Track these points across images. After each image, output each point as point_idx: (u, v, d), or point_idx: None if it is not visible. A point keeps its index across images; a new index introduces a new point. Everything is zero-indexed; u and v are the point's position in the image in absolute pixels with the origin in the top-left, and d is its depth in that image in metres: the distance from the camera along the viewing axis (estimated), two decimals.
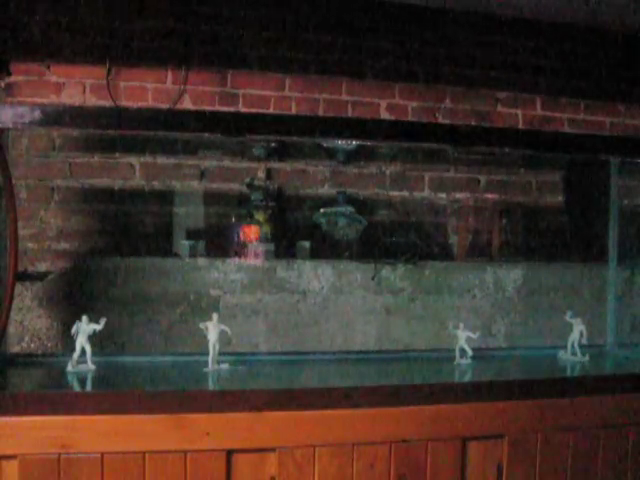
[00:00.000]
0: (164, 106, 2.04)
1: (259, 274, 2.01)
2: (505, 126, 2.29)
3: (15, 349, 1.88)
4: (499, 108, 2.30)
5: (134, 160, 2.05)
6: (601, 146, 1.99)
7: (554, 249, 2.26)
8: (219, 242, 2.06)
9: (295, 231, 2.13)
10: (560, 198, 2.35)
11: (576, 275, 2.21)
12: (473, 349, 1.89)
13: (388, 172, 2.21)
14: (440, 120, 2.24)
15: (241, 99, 2.11)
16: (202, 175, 2.09)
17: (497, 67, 2.29)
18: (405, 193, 2.23)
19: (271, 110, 2.12)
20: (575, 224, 2.32)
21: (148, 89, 2.05)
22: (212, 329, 1.72)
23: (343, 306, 2.05)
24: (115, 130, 1.61)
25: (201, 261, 1.99)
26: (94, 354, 1.55)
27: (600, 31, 2.33)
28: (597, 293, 2.22)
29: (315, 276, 2.04)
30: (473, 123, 2.26)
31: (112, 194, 2.04)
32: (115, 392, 1.42)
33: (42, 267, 1.98)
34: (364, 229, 2.14)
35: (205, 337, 1.74)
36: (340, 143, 2.07)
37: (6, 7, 1.94)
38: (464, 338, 1.89)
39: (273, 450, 1.41)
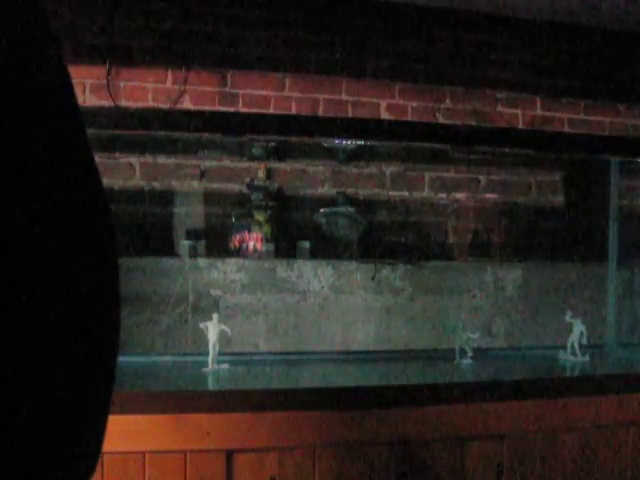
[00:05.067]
0: (164, 106, 2.04)
1: (259, 274, 2.01)
2: (505, 126, 2.29)
3: None
4: (499, 108, 2.30)
5: (134, 160, 2.05)
6: (601, 146, 1.99)
7: (554, 249, 2.26)
8: (219, 242, 2.06)
9: (295, 231, 2.12)
10: (560, 198, 2.35)
11: (576, 275, 2.21)
12: (473, 349, 1.89)
13: (388, 172, 2.21)
14: (440, 120, 2.24)
15: (241, 99, 2.11)
16: (202, 175, 2.09)
17: (497, 67, 2.29)
18: (405, 193, 2.23)
19: (271, 110, 2.12)
20: (575, 224, 2.32)
21: (148, 89, 2.05)
22: (212, 329, 1.72)
23: (343, 306, 2.05)
24: (115, 130, 1.61)
25: (201, 261, 1.99)
26: None
27: (600, 31, 2.33)
28: (597, 293, 2.22)
29: (315, 276, 2.04)
30: (473, 123, 2.26)
31: (112, 194, 2.04)
32: (115, 392, 1.42)
33: None
34: (364, 229, 2.14)
35: (205, 337, 1.74)
36: (340, 143, 2.07)
37: None
38: (465, 338, 1.89)
39: (273, 450, 1.41)
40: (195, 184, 2.09)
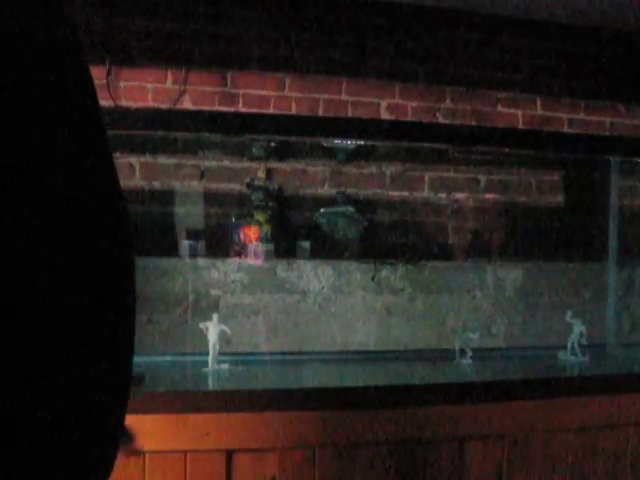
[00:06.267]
0: (164, 106, 2.04)
1: (259, 274, 2.01)
2: (505, 126, 2.29)
3: None
4: (499, 108, 2.30)
5: (134, 160, 2.05)
6: (601, 146, 1.99)
7: (554, 249, 2.26)
8: (219, 242, 2.06)
9: (295, 231, 2.12)
10: (560, 198, 2.35)
11: (576, 275, 2.21)
12: (473, 349, 1.89)
13: (388, 172, 2.21)
14: (440, 120, 2.24)
15: (241, 99, 2.11)
16: (202, 175, 2.09)
17: (497, 67, 2.29)
18: (405, 193, 2.23)
19: (271, 110, 2.12)
20: (575, 224, 2.32)
21: (148, 89, 2.05)
22: (212, 329, 1.72)
23: (343, 306, 2.05)
24: (115, 130, 1.61)
25: (201, 261, 1.99)
26: None
27: (600, 31, 2.33)
28: (597, 293, 2.22)
29: (315, 276, 2.04)
30: (473, 123, 2.26)
31: None
32: None
33: None
34: (364, 229, 2.14)
35: (205, 337, 1.74)
36: (340, 143, 2.07)
37: None
38: (465, 338, 1.89)
39: (273, 450, 1.41)
40: (195, 184, 2.09)
